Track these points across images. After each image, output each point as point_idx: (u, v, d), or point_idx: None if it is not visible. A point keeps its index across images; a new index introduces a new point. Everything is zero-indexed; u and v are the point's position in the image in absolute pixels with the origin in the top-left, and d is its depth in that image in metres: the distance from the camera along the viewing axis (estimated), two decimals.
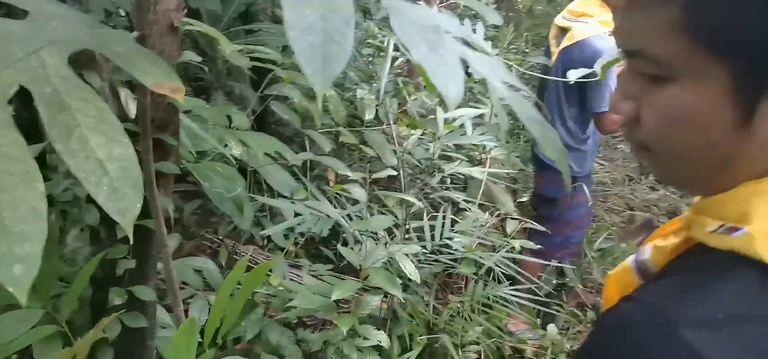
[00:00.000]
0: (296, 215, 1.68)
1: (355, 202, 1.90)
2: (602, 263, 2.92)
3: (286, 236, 2.31)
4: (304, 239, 2.46)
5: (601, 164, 5.25)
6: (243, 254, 2.00)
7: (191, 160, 1.66)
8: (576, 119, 2.36)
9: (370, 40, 2.75)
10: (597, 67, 2.00)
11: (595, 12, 2.22)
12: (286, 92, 2.31)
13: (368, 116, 2.46)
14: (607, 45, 2.12)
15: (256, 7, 2.78)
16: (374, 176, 1.49)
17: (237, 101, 2.67)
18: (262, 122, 2.78)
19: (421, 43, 0.52)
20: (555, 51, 2.36)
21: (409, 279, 2.00)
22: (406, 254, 1.41)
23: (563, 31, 2.33)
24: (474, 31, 2.44)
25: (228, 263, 1.93)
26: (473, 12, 3.62)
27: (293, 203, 1.78)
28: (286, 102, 2.36)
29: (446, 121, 1.75)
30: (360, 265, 1.37)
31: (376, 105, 2.37)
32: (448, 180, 2.38)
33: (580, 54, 2.17)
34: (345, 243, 1.67)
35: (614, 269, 0.63)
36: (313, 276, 1.64)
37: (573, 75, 1.56)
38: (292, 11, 0.51)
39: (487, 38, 2.58)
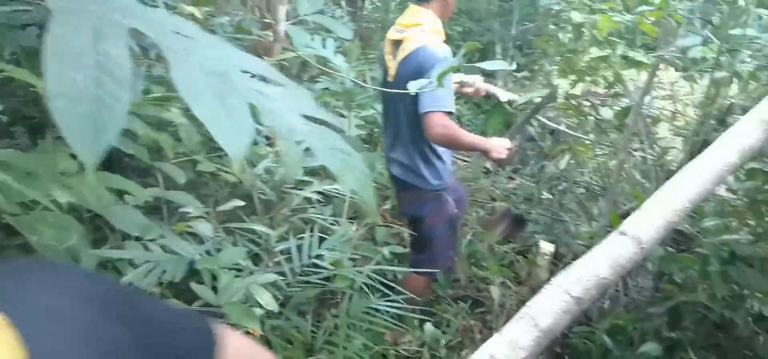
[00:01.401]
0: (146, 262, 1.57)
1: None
2: (467, 261, 3.02)
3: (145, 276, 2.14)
4: (169, 280, 2.31)
5: (465, 161, 5.57)
6: None
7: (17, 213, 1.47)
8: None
9: None
10: (433, 75, 2.08)
11: (426, 21, 2.25)
12: (128, 125, 2.15)
13: None
14: (444, 50, 2.17)
15: None
16: (219, 208, 1.43)
17: None
18: (113, 159, 2.57)
19: (206, 92, 0.49)
20: (393, 65, 2.33)
21: (283, 305, 1.96)
22: (263, 285, 1.37)
23: (397, 43, 2.31)
24: (324, 46, 2.45)
25: None
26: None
27: (144, 244, 1.66)
28: (130, 136, 2.20)
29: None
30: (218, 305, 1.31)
31: None
32: (313, 199, 2.37)
33: (418, 61, 2.16)
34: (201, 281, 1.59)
35: None
36: None
37: (413, 86, 1.60)
38: (57, 78, 0.46)
39: (339, 51, 2.61)
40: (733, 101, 2.30)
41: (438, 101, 2.17)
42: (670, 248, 2.05)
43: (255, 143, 2.35)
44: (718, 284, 1.97)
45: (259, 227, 1.55)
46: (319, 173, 3.09)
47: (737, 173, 2.85)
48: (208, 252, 1.48)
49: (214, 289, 1.37)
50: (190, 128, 2.26)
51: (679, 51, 2.35)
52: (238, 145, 0.49)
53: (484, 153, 2.35)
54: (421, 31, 2.23)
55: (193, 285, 1.40)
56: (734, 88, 2.53)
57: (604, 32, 2.28)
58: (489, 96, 2.98)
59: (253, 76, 0.66)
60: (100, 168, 2.41)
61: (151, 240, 1.72)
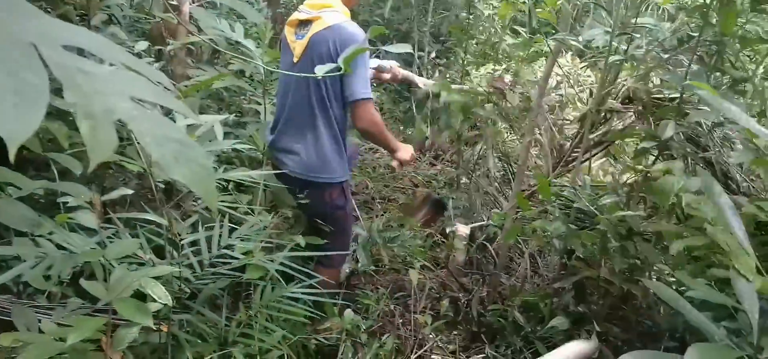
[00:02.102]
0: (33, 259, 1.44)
1: (112, 228, 1.71)
2: (389, 245, 3.05)
3: (47, 278, 1.98)
4: (69, 277, 2.15)
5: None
6: None
7: None
8: (340, 117, 2.25)
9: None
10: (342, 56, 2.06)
11: (335, 4, 2.20)
12: None
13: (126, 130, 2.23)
14: (360, 31, 2.13)
15: None
16: (104, 198, 1.34)
17: None
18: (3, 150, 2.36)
19: None
20: (298, 45, 2.21)
21: (190, 299, 1.88)
22: (157, 277, 1.29)
23: (304, 24, 2.21)
24: (232, 30, 2.35)
25: None
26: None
27: (34, 240, 1.53)
28: None
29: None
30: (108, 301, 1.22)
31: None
32: (225, 187, 2.29)
33: (340, 39, 2.10)
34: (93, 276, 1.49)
35: None
36: (60, 322, 1.42)
37: (321, 70, 1.56)
38: None
39: (248, 36, 2.52)
40: (625, 83, 2.44)
41: (368, 89, 2.13)
42: (572, 226, 2.15)
43: None
44: (617, 259, 2.08)
45: (154, 217, 1.46)
46: (233, 162, 3.00)
47: (629, 155, 3.03)
48: (100, 244, 1.38)
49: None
50: None
51: (583, 41, 2.46)
52: (20, 127, 0.43)
53: (392, 153, 2.36)
54: (333, 12, 2.17)
55: (82, 281, 1.30)
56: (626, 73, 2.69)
57: (505, 19, 2.34)
58: (406, 82, 3.00)
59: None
60: None
61: (41, 236, 1.59)
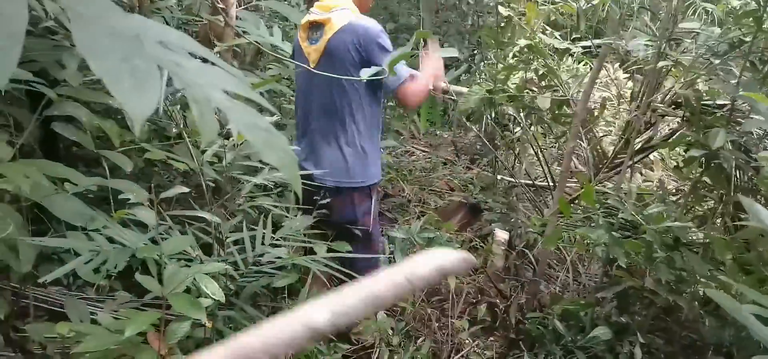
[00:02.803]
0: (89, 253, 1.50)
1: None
2: (428, 248, 3.07)
3: (96, 271, 2.06)
4: (117, 271, 2.22)
5: (424, 151, 5.61)
6: (35, 297, 1.74)
7: None
8: (369, 118, 2.21)
9: None
10: (380, 51, 2.04)
11: (347, 3, 2.16)
12: (71, 112, 2.06)
13: (175, 129, 2.29)
14: (372, 22, 2.10)
15: None
16: (163, 195, 1.38)
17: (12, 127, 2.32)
18: (51, 148, 2.46)
19: (109, 50, 0.47)
20: (313, 49, 2.16)
21: (234, 296, 1.91)
22: (209, 274, 1.33)
23: (316, 26, 2.16)
24: (271, 33, 2.38)
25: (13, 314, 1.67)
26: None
27: (87, 234, 1.59)
28: (74, 123, 2.11)
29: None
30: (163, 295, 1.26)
31: (184, 116, 2.21)
32: (265, 187, 2.32)
33: (355, 35, 2.06)
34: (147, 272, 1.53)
35: None
36: (113, 313, 1.47)
37: (366, 73, 1.57)
38: None
39: (290, 38, 2.56)
40: (674, 88, 2.39)
41: (404, 71, 2.10)
42: (616, 234, 2.11)
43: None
44: (662, 269, 2.03)
45: (206, 215, 1.50)
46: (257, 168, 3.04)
47: (678, 163, 2.96)
48: (153, 241, 1.42)
49: (161, 280, 1.32)
50: None
51: (625, 52, 2.41)
52: (141, 105, 0.47)
53: (435, 90, 2.29)
54: (342, 10, 2.12)
55: (138, 276, 1.34)
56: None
57: (532, 21, 2.30)
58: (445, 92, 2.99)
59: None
60: (43, 156, 2.30)
61: (94, 230, 1.65)
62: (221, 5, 2.54)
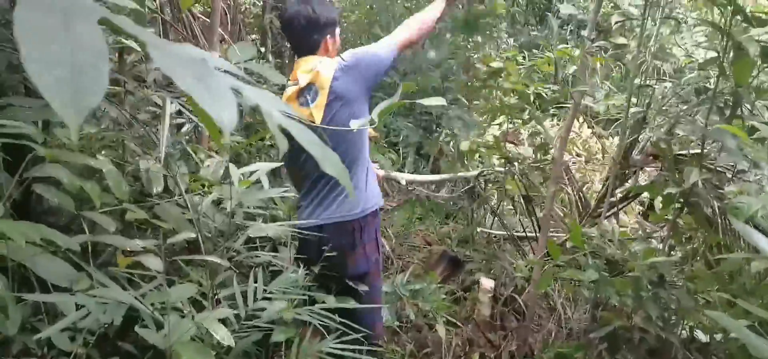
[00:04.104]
0: (79, 308, 1.45)
1: (151, 279, 1.71)
2: (414, 300, 3.03)
3: (72, 338, 1.97)
4: (95, 338, 2.13)
5: (399, 208, 5.65)
6: None
7: None
8: (368, 146, 2.27)
9: (149, 108, 2.57)
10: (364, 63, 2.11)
11: (320, 58, 2.22)
12: (52, 173, 2.02)
13: (157, 188, 2.26)
14: (356, 50, 2.19)
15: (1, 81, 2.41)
16: (169, 240, 1.35)
17: None
18: (27, 212, 2.38)
19: (186, 73, 0.50)
20: (313, 108, 2.16)
21: (228, 350, 1.85)
22: (217, 320, 1.29)
23: (304, 90, 2.20)
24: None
25: None
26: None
27: (72, 294, 1.53)
28: (54, 184, 2.06)
29: (242, 178, 1.67)
30: (167, 346, 1.21)
31: (165, 175, 2.19)
32: (257, 241, 2.29)
33: (349, 70, 2.13)
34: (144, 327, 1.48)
35: None
36: None
37: (355, 124, 1.61)
38: (31, 45, 0.45)
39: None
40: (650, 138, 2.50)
41: (390, 45, 2.20)
42: (604, 274, 2.15)
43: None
44: (650, 305, 2.07)
45: (212, 258, 1.47)
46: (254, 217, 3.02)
47: (654, 208, 3.06)
48: (158, 288, 1.39)
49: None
50: (117, 177, 2.16)
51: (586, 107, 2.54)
52: (226, 114, 0.49)
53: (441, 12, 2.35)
54: (323, 62, 2.19)
55: (138, 329, 1.29)
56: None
57: (513, 77, 2.42)
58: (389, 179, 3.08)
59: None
60: (18, 218, 2.23)
61: (82, 291, 1.59)
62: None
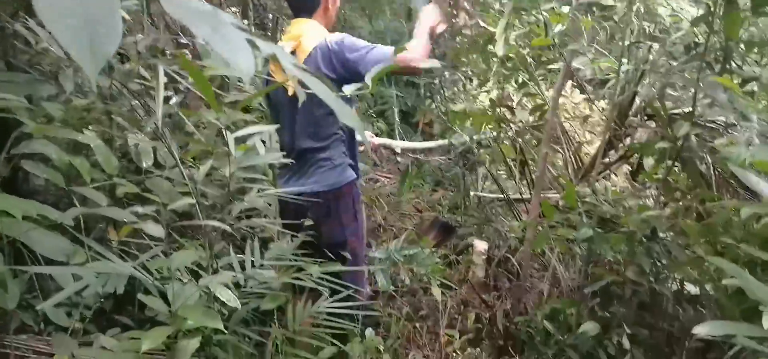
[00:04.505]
0: (77, 280, 1.44)
1: (147, 250, 1.70)
2: (408, 265, 3.05)
3: (69, 314, 1.96)
4: (92, 313, 2.12)
5: (388, 177, 5.65)
6: (16, 346, 1.64)
7: None
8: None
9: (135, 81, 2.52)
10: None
11: (311, 24, 2.20)
12: (40, 149, 1.98)
13: (146, 162, 2.23)
14: (339, 34, 2.13)
15: None
16: (170, 206, 1.34)
17: None
18: (15, 189, 2.35)
19: (204, 24, 0.50)
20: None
21: (231, 313, 1.85)
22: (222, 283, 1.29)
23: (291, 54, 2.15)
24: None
25: None
26: None
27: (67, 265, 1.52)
28: (41, 161, 2.03)
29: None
30: (170, 311, 1.21)
31: (154, 148, 2.16)
32: (244, 212, 2.29)
33: (324, 57, 2.09)
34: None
35: None
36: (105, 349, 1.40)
37: (349, 89, 1.58)
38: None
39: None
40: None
41: (383, 53, 2.05)
42: (598, 229, 2.18)
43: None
44: (643, 259, 2.11)
45: (214, 223, 1.46)
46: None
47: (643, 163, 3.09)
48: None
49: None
50: (106, 151, 2.13)
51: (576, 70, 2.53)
52: (244, 61, 0.50)
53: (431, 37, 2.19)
54: (310, 34, 2.16)
55: (142, 296, 1.29)
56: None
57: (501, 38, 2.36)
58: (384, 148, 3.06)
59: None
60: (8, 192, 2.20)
61: (77, 264, 1.58)
62: (184, 40, 2.51)
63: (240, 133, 1.50)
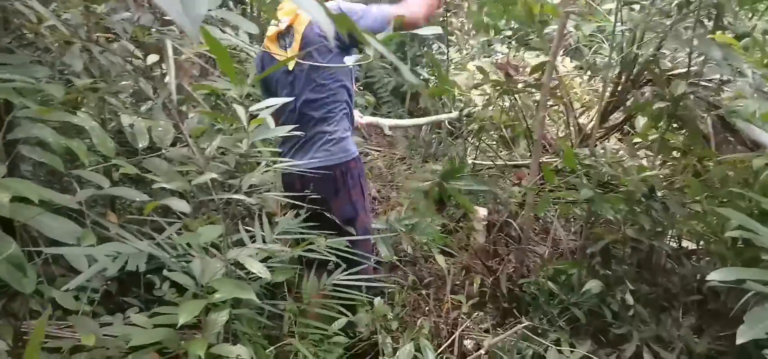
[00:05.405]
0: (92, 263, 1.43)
1: (161, 230, 1.69)
2: (410, 234, 3.07)
3: (76, 297, 1.95)
4: (99, 296, 2.11)
5: (378, 150, 5.66)
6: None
7: None
8: (349, 97, 2.26)
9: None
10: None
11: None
12: (36, 133, 1.94)
13: (142, 143, 2.19)
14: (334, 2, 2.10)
15: None
16: (194, 182, 1.33)
17: None
18: (11, 174, 2.30)
19: None
20: (289, 52, 2.12)
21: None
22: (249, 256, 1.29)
23: (284, 33, 2.17)
24: (237, 35, 2.31)
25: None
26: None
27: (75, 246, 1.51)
28: (38, 145, 1.99)
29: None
30: (198, 285, 1.21)
31: (149, 127, 2.13)
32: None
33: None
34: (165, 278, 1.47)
35: None
36: (129, 324, 1.40)
37: (350, 60, 1.57)
38: None
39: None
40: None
41: (384, 15, 2.04)
42: (598, 191, 2.22)
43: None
44: (643, 217, 2.16)
45: (238, 197, 1.45)
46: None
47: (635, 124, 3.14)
48: (187, 228, 1.37)
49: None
50: (102, 133, 2.10)
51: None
52: (191, 16, 0.48)
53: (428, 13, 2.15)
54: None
55: (168, 273, 1.29)
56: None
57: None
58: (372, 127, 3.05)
59: None
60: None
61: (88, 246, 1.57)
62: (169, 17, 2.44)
63: (257, 106, 1.48)
